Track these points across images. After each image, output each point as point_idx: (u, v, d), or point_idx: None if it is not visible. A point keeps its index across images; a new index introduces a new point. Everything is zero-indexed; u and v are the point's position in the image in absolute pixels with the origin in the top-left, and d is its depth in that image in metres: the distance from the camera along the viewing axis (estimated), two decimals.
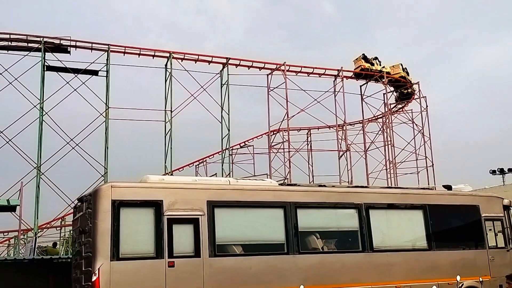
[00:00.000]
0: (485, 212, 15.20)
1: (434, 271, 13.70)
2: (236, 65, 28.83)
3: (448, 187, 15.78)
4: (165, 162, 26.35)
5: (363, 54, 32.58)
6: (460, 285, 12.59)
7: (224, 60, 28.44)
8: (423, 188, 16.66)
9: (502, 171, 37.49)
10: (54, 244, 21.79)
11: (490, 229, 15.20)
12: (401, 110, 34.53)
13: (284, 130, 31.27)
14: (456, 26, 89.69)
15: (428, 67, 79.70)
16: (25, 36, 25.21)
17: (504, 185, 33.18)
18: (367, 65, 32.37)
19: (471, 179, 36.68)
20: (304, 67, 30.31)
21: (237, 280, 11.63)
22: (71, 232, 16.65)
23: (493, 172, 37.89)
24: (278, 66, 29.81)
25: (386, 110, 33.03)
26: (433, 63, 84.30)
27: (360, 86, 32.86)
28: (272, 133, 31.71)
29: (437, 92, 74.21)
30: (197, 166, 33.25)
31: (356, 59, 32.72)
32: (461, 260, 14.32)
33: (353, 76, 32.36)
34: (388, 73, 32.26)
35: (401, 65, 33.38)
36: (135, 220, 11.12)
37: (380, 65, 32.73)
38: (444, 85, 78.55)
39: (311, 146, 34.61)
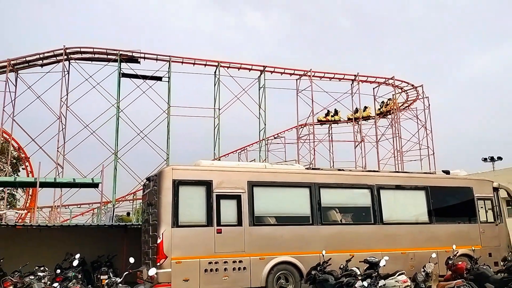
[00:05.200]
0: (478, 192, 14.83)
1: (434, 240, 13.45)
2: (271, 72, 28.68)
3: (447, 172, 15.41)
4: (214, 150, 26.52)
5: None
6: (455, 253, 12.27)
7: (262, 68, 28.32)
8: (425, 173, 16.29)
9: (492, 159, 36.52)
10: (128, 214, 22.26)
11: (482, 207, 14.85)
12: (407, 108, 33.69)
13: (310, 125, 31.05)
14: (455, 37, 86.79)
15: (431, 71, 77.65)
16: (105, 50, 25.64)
17: (494, 171, 32.02)
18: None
19: (466, 165, 35.41)
20: (327, 73, 29.86)
21: (271, 245, 11.68)
22: (141, 204, 16.98)
23: (485, 159, 36.90)
24: (305, 72, 29.49)
25: (395, 108, 32.33)
26: (436, 68, 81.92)
27: (373, 88, 32.24)
28: (300, 127, 31.43)
29: (439, 93, 72.16)
30: (239, 154, 33.22)
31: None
32: (456, 232, 14.01)
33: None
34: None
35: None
36: (191, 196, 11.29)
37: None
38: (445, 87, 76.34)
39: (331, 137, 34.16)
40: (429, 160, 31.17)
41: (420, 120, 32.48)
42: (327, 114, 32.66)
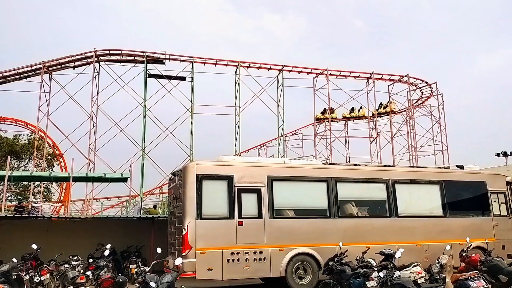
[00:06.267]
0: (491, 187, 14.53)
1: (448, 233, 13.24)
2: (289, 71, 28.52)
3: (460, 167, 15.12)
4: (235, 146, 26.55)
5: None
6: (469, 245, 12.06)
7: (280, 67, 28.19)
8: (439, 167, 16.03)
9: (505, 154, 35.74)
10: (155, 206, 22.42)
11: (495, 201, 14.55)
12: (421, 104, 33.12)
13: (326, 121, 30.87)
14: (466, 35, 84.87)
15: (445, 68, 76.22)
16: (133, 52, 25.89)
17: (506, 165, 31.35)
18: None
19: (479, 160, 34.80)
20: (343, 71, 29.54)
21: (290, 237, 11.67)
22: (167, 197, 17.15)
23: (498, 154, 36.15)
24: (322, 71, 29.27)
25: (409, 105, 31.87)
26: (449, 65, 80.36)
27: (388, 85, 31.80)
28: (317, 123, 31.28)
29: (453, 89, 70.80)
30: (258, 149, 33.17)
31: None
32: (470, 225, 13.77)
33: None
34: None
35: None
36: (214, 190, 11.34)
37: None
38: (459, 83, 74.81)
39: (347, 133, 33.86)
40: (443, 155, 30.63)
41: (434, 116, 31.94)
42: (323, 112, 32.36)
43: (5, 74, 24.97)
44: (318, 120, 32.06)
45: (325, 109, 31.96)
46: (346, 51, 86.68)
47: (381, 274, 8.14)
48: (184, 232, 10.65)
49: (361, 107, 31.96)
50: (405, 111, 32.51)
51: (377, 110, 31.73)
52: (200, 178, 11.07)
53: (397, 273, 8.10)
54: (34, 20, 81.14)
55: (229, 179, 11.41)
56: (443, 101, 31.74)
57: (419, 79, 31.78)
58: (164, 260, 11.17)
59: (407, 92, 31.87)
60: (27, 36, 77.16)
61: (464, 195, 14.36)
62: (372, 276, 8.34)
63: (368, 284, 8.28)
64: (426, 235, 13.09)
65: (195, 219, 10.76)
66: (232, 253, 10.90)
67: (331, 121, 32.08)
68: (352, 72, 29.84)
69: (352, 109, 32.04)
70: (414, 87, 32.14)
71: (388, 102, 31.97)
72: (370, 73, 30.22)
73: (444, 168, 16.22)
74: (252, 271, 11.06)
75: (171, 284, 7.34)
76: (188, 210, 10.83)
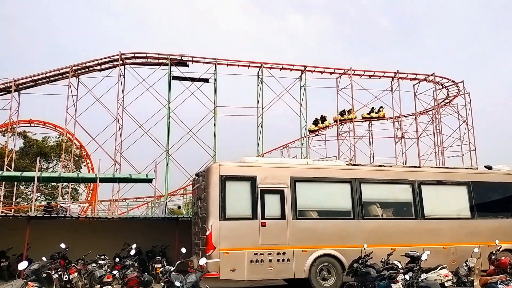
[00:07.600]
0: None
1: (476, 236, 12.90)
2: (312, 71, 28.43)
3: (489, 167, 14.73)
4: (257, 147, 26.64)
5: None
6: (498, 248, 11.72)
7: (303, 68, 28.14)
8: (467, 168, 15.66)
9: None
10: (179, 207, 22.60)
11: None
12: (448, 104, 32.40)
13: (350, 121, 30.60)
14: (495, 32, 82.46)
15: (472, 67, 74.32)
16: (157, 55, 26.31)
17: None
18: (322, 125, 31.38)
19: (508, 160, 33.76)
20: (367, 71, 29.24)
21: (314, 238, 11.62)
22: (191, 198, 17.30)
23: None
24: (345, 71, 29.02)
25: (435, 104, 31.23)
26: (477, 64, 78.25)
27: (414, 85, 31.23)
28: (340, 123, 31.04)
29: (480, 88, 68.85)
30: (281, 150, 33.03)
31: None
32: (499, 227, 13.39)
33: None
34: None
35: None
36: (237, 191, 11.39)
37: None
38: (486, 82, 72.75)
39: (372, 134, 33.44)
40: (471, 155, 29.91)
41: (461, 115, 31.24)
42: (316, 123, 31.67)
43: (34, 78, 25.75)
44: (312, 132, 31.60)
45: (316, 119, 31.60)
46: (371, 50, 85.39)
47: (407, 277, 8.02)
48: (208, 233, 10.75)
49: (350, 110, 31.30)
50: (431, 110, 31.89)
51: (369, 114, 31.27)
52: (224, 179, 11.14)
53: (423, 276, 7.99)
54: (73, 27, 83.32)
55: (252, 180, 11.45)
56: (470, 100, 31.06)
57: (445, 78, 31.14)
58: (188, 260, 11.25)
59: (433, 91, 31.28)
60: (57, 39, 79.29)
61: (493, 196, 13.99)
62: (397, 278, 8.21)
63: (394, 286, 8.16)
64: (454, 237, 12.81)
65: (218, 220, 10.84)
66: (255, 254, 10.92)
67: (324, 129, 31.58)
68: (376, 71, 29.50)
69: (344, 112, 31.51)
70: (440, 86, 31.51)
71: (380, 107, 31.41)
72: (394, 73, 29.81)
73: (472, 168, 15.83)
74: (275, 272, 11.06)
75: (196, 283, 7.42)
76: (212, 211, 10.92)
